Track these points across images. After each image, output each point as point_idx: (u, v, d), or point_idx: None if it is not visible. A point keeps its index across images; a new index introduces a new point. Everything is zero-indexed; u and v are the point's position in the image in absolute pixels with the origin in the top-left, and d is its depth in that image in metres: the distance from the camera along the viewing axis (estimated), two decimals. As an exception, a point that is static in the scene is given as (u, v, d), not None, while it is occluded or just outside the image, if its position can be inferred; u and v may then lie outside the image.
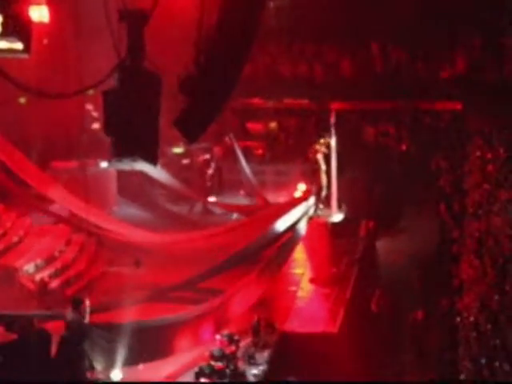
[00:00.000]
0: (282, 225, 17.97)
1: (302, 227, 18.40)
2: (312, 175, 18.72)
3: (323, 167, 17.98)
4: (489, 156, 18.41)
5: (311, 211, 18.43)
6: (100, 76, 10.32)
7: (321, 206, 18.08)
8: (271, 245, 17.49)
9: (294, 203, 18.86)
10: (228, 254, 17.16)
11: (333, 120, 18.01)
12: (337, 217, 17.90)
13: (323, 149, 17.88)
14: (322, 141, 18.04)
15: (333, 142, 17.81)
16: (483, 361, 12.68)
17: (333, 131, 17.84)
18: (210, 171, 23.37)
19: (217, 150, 23.83)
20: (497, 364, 12.41)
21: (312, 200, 18.48)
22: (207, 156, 23.93)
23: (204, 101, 10.46)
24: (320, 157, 17.93)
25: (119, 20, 9.84)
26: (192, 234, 19.00)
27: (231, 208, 20.99)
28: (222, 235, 18.64)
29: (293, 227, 18.12)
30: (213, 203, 22.13)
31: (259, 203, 21.02)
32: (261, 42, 21.24)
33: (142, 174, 21.24)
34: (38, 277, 17.17)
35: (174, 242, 18.69)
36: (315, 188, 18.36)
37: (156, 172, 20.97)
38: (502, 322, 12.88)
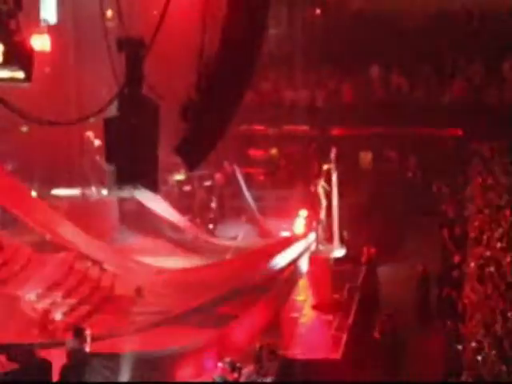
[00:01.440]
0: (282, 260, 18.01)
1: (304, 263, 18.42)
2: (313, 210, 18.78)
3: (324, 203, 18.04)
4: (489, 181, 18.44)
5: (312, 247, 18.51)
6: (100, 104, 10.35)
7: (322, 243, 18.17)
8: (272, 279, 17.53)
9: (294, 239, 18.93)
10: (229, 286, 17.20)
11: (334, 154, 18.04)
12: (338, 252, 17.94)
13: (324, 185, 17.94)
14: (321, 184, 18.12)
15: (334, 177, 17.86)
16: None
17: (333, 165, 17.89)
18: (213, 204, 23.30)
19: (218, 176, 23.84)
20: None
21: (313, 236, 18.56)
22: (208, 183, 23.96)
23: (205, 127, 10.47)
24: (321, 192, 17.97)
25: (118, 48, 9.87)
26: (194, 267, 18.96)
27: (229, 247, 20.92)
28: (224, 267, 18.64)
29: (294, 262, 18.18)
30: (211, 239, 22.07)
31: (259, 237, 21.02)
32: (262, 69, 21.40)
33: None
34: (39, 305, 17.11)
35: (176, 274, 18.66)
36: (316, 224, 18.42)
37: (154, 203, 20.98)
38: (507, 348, 12.80)
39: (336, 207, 18.00)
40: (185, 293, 17.86)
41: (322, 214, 18.11)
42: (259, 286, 17.31)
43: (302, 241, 18.72)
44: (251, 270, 17.84)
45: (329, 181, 18.17)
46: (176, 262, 19.72)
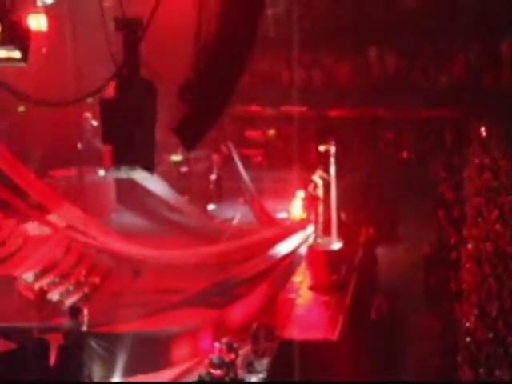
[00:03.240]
0: (281, 250, 18.05)
1: (302, 254, 18.44)
2: (310, 204, 18.81)
3: (321, 196, 18.09)
4: (487, 162, 18.45)
5: (310, 239, 18.55)
6: (98, 84, 10.32)
7: (320, 235, 18.25)
8: (270, 268, 17.58)
9: (292, 230, 18.96)
10: (226, 273, 17.25)
11: (333, 150, 18.07)
12: (336, 245, 18.01)
13: (321, 181, 18.00)
14: (319, 173, 18.12)
15: (332, 170, 17.89)
16: (482, 369, 12.66)
17: (332, 161, 17.92)
18: (213, 176, 23.34)
19: (215, 157, 23.81)
20: (497, 372, 12.40)
21: (311, 228, 18.60)
22: (206, 164, 23.94)
23: (203, 108, 10.44)
24: (319, 184, 17.99)
25: (116, 28, 9.84)
26: (191, 249, 18.95)
27: (226, 228, 20.92)
28: (222, 254, 18.64)
29: (292, 253, 18.23)
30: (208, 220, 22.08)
31: (257, 223, 21.01)
32: (259, 50, 21.28)
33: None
34: (36, 286, 17.14)
35: (172, 256, 18.67)
36: (314, 217, 18.46)
37: (152, 183, 20.95)
38: (501, 329, 12.86)
39: (334, 199, 18.06)
40: (183, 275, 17.92)
41: (320, 208, 18.18)
42: (257, 275, 17.34)
43: (301, 232, 18.76)
44: (249, 258, 17.87)
45: (326, 167, 18.17)
46: (173, 242, 19.71)
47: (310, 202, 18.75)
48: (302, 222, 19.51)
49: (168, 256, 18.68)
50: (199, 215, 22.38)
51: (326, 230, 18.43)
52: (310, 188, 18.35)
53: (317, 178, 18.11)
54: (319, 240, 18.22)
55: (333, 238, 18.16)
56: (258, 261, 17.74)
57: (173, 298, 16.60)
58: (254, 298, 16.81)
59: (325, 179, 18.10)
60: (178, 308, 16.08)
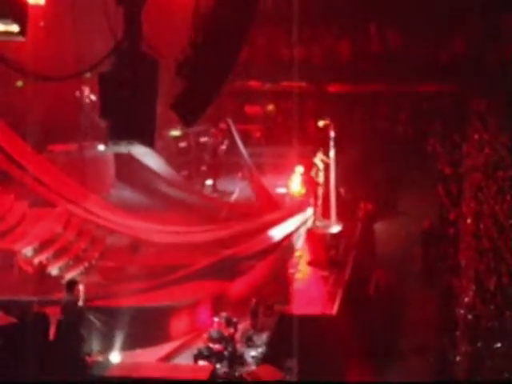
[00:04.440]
0: (280, 231, 18.08)
1: (301, 237, 18.47)
2: (311, 187, 18.83)
3: (321, 179, 18.10)
4: (486, 138, 18.44)
5: (309, 222, 18.56)
6: (97, 58, 10.28)
7: (319, 218, 18.27)
8: (269, 249, 17.62)
9: (291, 212, 18.98)
10: (227, 252, 17.29)
11: (333, 134, 18.04)
12: (335, 228, 18.03)
13: (321, 164, 18.00)
14: (319, 156, 18.11)
15: (331, 153, 17.88)
16: (481, 343, 12.73)
17: (332, 144, 17.90)
18: (212, 152, 23.25)
19: (214, 132, 23.76)
20: (494, 345, 12.47)
21: (310, 211, 18.61)
22: (205, 139, 23.88)
23: (202, 83, 10.41)
24: (320, 168, 17.99)
25: (116, 2, 9.79)
26: (189, 226, 18.98)
27: (224, 205, 20.91)
28: (220, 231, 18.67)
29: (291, 235, 18.26)
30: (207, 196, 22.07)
31: (255, 198, 21.01)
32: (258, 25, 21.17)
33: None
34: (36, 260, 17.17)
35: (171, 232, 18.71)
36: (313, 200, 18.47)
37: (151, 158, 20.93)
38: (500, 303, 12.92)
39: (333, 182, 18.07)
40: (182, 251, 17.98)
41: (320, 190, 18.19)
42: (256, 254, 17.39)
43: (300, 214, 18.79)
44: (249, 238, 17.90)
45: (326, 144, 18.13)
46: (171, 218, 19.72)
47: (310, 185, 18.74)
48: (301, 203, 19.47)
49: (166, 232, 18.71)
50: (197, 191, 22.39)
51: (325, 213, 18.43)
52: (313, 172, 18.32)
53: (318, 160, 18.11)
54: (318, 223, 18.25)
55: (332, 220, 18.17)
56: (258, 241, 17.79)
57: (171, 273, 16.65)
58: (253, 276, 16.88)
59: (325, 162, 18.10)
60: (177, 284, 16.14)
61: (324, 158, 18.12)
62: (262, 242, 17.85)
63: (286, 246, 18.20)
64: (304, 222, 18.71)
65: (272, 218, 18.90)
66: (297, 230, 18.55)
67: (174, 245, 18.22)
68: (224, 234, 18.48)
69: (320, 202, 18.27)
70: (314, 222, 18.40)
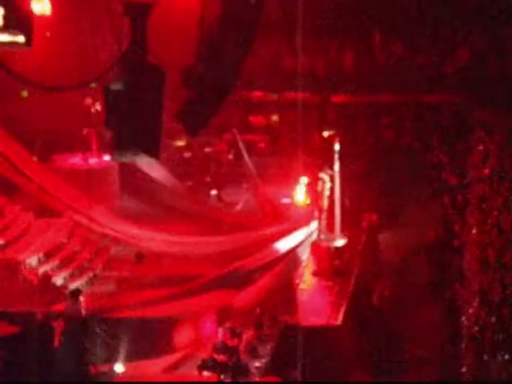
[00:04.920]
0: (284, 244, 18.06)
1: (305, 251, 18.44)
2: (316, 199, 18.82)
3: (326, 193, 18.11)
4: (491, 148, 18.41)
5: (314, 236, 18.55)
6: (102, 69, 10.31)
7: (323, 232, 18.25)
8: (273, 263, 17.60)
9: (296, 226, 18.97)
10: (232, 265, 17.29)
11: (337, 147, 18.05)
12: (340, 242, 18.01)
13: (326, 177, 18.01)
14: (324, 170, 18.13)
15: (336, 167, 17.89)
16: (485, 354, 12.70)
17: (336, 157, 17.91)
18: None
19: (219, 143, 23.79)
20: (499, 358, 12.43)
21: (314, 225, 18.60)
22: (209, 149, 23.91)
23: (206, 94, 10.44)
24: (327, 181, 18.00)
25: (122, 13, 9.83)
26: (195, 237, 18.99)
27: (227, 216, 20.88)
28: (225, 244, 18.68)
29: (295, 249, 18.24)
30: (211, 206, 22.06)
31: (259, 204, 20.99)
32: (262, 36, 21.23)
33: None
34: (40, 270, 17.19)
35: (176, 242, 18.72)
36: (318, 213, 18.46)
37: (156, 169, 20.92)
38: (505, 315, 12.89)
39: (338, 196, 18.06)
40: (186, 263, 18.02)
41: (325, 203, 18.18)
42: (260, 268, 17.38)
43: (304, 228, 18.77)
44: (253, 251, 17.90)
45: (330, 156, 18.07)
46: (176, 229, 19.72)
47: (316, 198, 18.72)
48: (305, 216, 19.44)
49: (171, 242, 18.73)
50: (202, 202, 22.38)
51: (330, 226, 18.41)
52: (318, 186, 18.31)
53: (324, 175, 18.11)
54: (323, 236, 18.23)
55: (336, 234, 18.15)
56: (263, 254, 17.77)
57: (175, 286, 16.68)
58: (258, 288, 16.86)
59: (330, 175, 18.11)
60: (183, 296, 16.16)
61: (329, 171, 18.12)
62: (267, 255, 17.84)
63: (291, 258, 18.18)
64: (309, 236, 18.69)
65: (277, 230, 18.89)
66: (302, 243, 18.53)
67: (180, 256, 18.23)
68: (229, 246, 18.48)
69: (325, 215, 18.26)
70: (318, 235, 18.37)
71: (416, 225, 19.74)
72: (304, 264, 18.32)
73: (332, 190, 18.07)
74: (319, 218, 18.31)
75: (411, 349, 15.83)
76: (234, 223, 19.81)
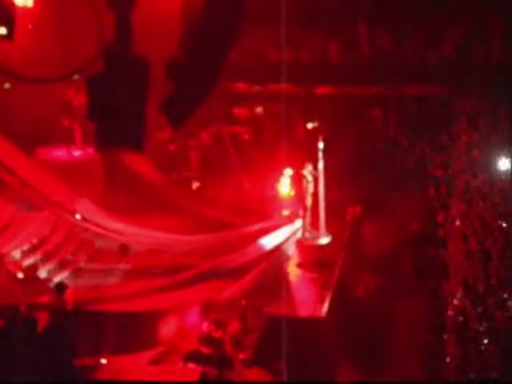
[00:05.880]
0: (268, 242, 18.03)
1: (289, 248, 18.43)
2: (300, 197, 18.82)
3: (310, 190, 18.11)
4: (475, 139, 18.51)
5: (299, 234, 18.55)
6: (85, 61, 10.26)
7: (308, 230, 18.26)
8: (257, 260, 17.59)
9: (279, 224, 18.95)
10: (215, 261, 17.30)
11: (321, 145, 18.04)
12: (324, 239, 18.04)
13: (309, 176, 18.01)
14: (309, 168, 18.13)
15: (320, 165, 17.89)
16: (469, 345, 12.78)
17: (321, 155, 17.92)
18: (198, 164, 23.06)
19: (204, 135, 23.73)
20: (483, 347, 12.52)
21: (299, 223, 18.60)
22: (193, 142, 23.84)
23: (190, 86, 10.43)
24: (309, 180, 18.00)
25: (106, 5, 9.79)
26: (178, 234, 18.95)
27: (211, 212, 20.80)
28: (208, 241, 18.66)
29: (280, 247, 18.23)
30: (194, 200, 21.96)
31: (244, 196, 20.97)
32: (246, 27, 21.18)
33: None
34: (24, 263, 17.12)
35: (156, 239, 18.70)
36: (302, 211, 18.47)
37: (138, 162, 20.83)
38: (489, 305, 12.96)
39: (323, 193, 18.07)
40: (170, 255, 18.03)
41: (309, 201, 18.19)
42: (244, 265, 17.36)
43: (289, 226, 18.76)
44: (237, 249, 17.88)
45: (315, 160, 18.05)
46: (161, 222, 19.69)
47: (300, 196, 18.72)
48: (290, 214, 19.42)
49: (153, 238, 18.72)
50: (186, 196, 22.29)
51: (314, 224, 18.43)
52: (303, 184, 18.32)
53: (307, 173, 18.13)
54: (307, 234, 18.25)
55: (321, 232, 18.17)
56: (246, 251, 17.73)
57: (161, 279, 16.66)
58: (243, 282, 16.82)
59: (314, 175, 18.12)
60: (167, 290, 16.14)
61: (313, 170, 18.13)
62: (251, 252, 17.79)
63: (276, 255, 18.15)
64: (293, 234, 18.67)
65: (261, 227, 18.85)
66: (287, 240, 18.51)
67: (164, 251, 18.24)
68: (213, 243, 18.46)
69: (309, 213, 18.28)
70: (303, 233, 18.39)
71: (400, 217, 19.80)
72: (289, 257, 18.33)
73: (316, 187, 18.07)
74: (303, 216, 18.32)
75: (395, 340, 15.90)
76: (217, 220, 19.73)
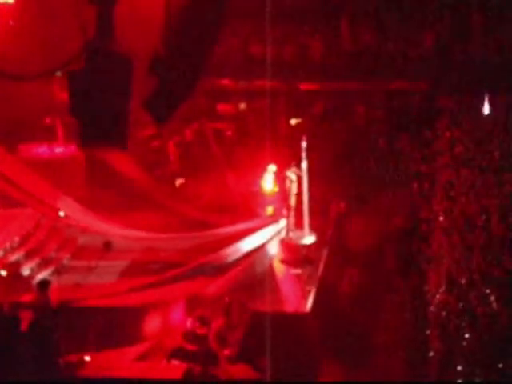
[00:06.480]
0: (251, 242, 18.02)
1: (273, 248, 18.41)
2: (283, 197, 18.82)
3: (294, 190, 18.13)
4: (457, 135, 18.58)
5: (283, 233, 18.54)
6: (67, 57, 10.20)
7: (292, 229, 18.25)
8: (241, 259, 17.59)
9: (263, 224, 18.94)
10: (198, 260, 17.28)
11: (304, 144, 18.06)
12: (308, 239, 18.05)
13: (293, 175, 18.03)
14: (293, 169, 18.14)
15: (304, 165, 17.90)
16: (452, 340, 12.84)
17: (304, 155, 17.93)
18: (181, 160, 23.00)
19: (187, 132, 23.69)
20: (465, 343, 12.59)
21: (283, 222, 18.60)
22: (177, 138, 23.79)
23: (174, 83, 10.38)
24: (293, 179, 18.01)
25: (87, 0, 9.73)
26: (161, 234, 18.91)
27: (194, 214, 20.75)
28: (190, 239, 18.64)
29: (263, 246, 18.22)
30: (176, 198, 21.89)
31: (228, 192, 20.93)
32: (230, 23, 21.16)
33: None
34: (7, 260, 17.04)
35: (140, 238, 18.66)
36: (286, 210, 18.47)
37: (122, 159, 20.75)
38: (471, 300, 13.03)
39: (306, 193, 18.08)
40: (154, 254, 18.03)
41: (292, 200, 18.19)
42: (228, 264, 17.34)
43: (273, 225, 18.75)
44: (219, 248, 17.85)
45: (298, 160, 18.03)
46: (142, 219, 19.65)
47: (284, 196, 18.72)
48: (273, 216, 19.41)
49: (136, 236, 18.68)
50: (169, 194, 22.23)
51: (299, 224, 18.43)
52: (287, 183, 18.32)
53: (290, 173, 18.14)
54: (291, 234, 18.26)
55: (305, 231, 18.18)
56: (230, 250, 17.69)
57: (145, 276, 16.64)
58: (227, 278, 16.80)
59: (297, 174, 18.12)
60: (151, 287, 16.12)
61: (297, 170, 18.14)
62: (235, 251, 17.74)
63: (261, 253, 18.12)
64: (278, 233, 18.65)
65: (244, 228, 18.81)
66: (270, 240, 18.50)
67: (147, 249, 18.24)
68: (196, 242, 18.43)
69: (293, 213, 18.29)
70: (287, 233, 18.39)
71: (384, 212, 19.86)
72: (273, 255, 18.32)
73: (300, 187, 18.08)
74: (287, 216, 18.33)
75: (379, 335, 15.95)
76: (201, 221, 19.65)
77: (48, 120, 21.75)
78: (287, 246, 18.09)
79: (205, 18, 10.47)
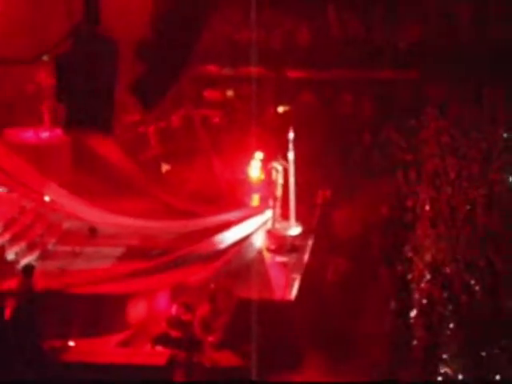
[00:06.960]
0: (237, 232, 17.99)
1: (258, 239, 18.38)
2: (269, 188, 18.78)
3: (280, 181, 18.11)
4: (443, 125, 18.62)
5: (269, 224, 18.52)
6: (54, 42, 10.15)
7: (278, 220, 18.23)
8: (226, 249, 17.55)
9: (249, 214, 18.91)
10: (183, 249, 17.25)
11: (292, 136, 18.01)
12: (294, 230, 18.05)
13: (280, 166, 18.01)
14: (280, 160, 18.11)
15: (290, 156, 17.88)
16: (435, 328, 12.90)
17: (291, 147, 17.90)
18: (170, 137, 22.85)
19: (174, 118, 23.61)
20: (449, 332, 12.65)
21: (269, 213, 18.58)
22: (163, 124, 23.71)
23: (161, 68, 10.35)
24: (279, 170, 17.99)
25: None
26: (147, 221, 18.85)
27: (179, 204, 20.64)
28: (176, 228, 18.59)
29: (249, 237, 18.19)
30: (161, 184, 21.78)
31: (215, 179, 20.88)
32: (218, 10, 21.07)
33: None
34: (-9, 245, 16.97)
35: (126, 224, 18.59)
36: (272, 201, 18.44)
37: (107, 144, 20.65)
38: (455, 289, 13.10)
39: (293, 184, 18.06)
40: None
41: (279, 191, 18.18)
42: (212, 254, 17.30)
43: (259, 216, 18.73)
44: (206, 237, 17.81)
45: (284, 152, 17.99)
46: (129, 205, 19.60)
47: (270, 187, 18.70)
48: (259, 206, 19.38)
49: (122, 222, 18.62)
50: (153, 179, 22.15)
51: (285, 214, 18.42)
52: (273, 174, 18.31)
53: (276, 164, 18.12)
54: (277, 225, 18.25)
55: (291, 222, 18.18)
56: (215, 240, 17.65)
57: (130, 263, 16.62)
58: (212, 267, 16.78)
59: (283, 165, 18.12)
60: (136, 276, 16.11)
61: (283, 161, 18.13)
62: (221, 241, 17.70)
63: (247, 242, 18.10)
64: (264, 224, 18.64)
65: (231, 217, 18.78)
66: (257, 230, 18.49)
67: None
68: (181, 230, 18.37)
69: (279, 203, 18.28)
70: (273, 224, 18.38)
71: (370, 200, 19.88)
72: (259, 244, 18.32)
73: (286, 178, 18.07)
74: (274, 207, 18.32)
75: (363, 323, 16.00)
76: (186, 210, 19.58)
77: (35, 104, 21.62)
78: (273, 236, 18.10)
79: (193, 5, 10.44)
